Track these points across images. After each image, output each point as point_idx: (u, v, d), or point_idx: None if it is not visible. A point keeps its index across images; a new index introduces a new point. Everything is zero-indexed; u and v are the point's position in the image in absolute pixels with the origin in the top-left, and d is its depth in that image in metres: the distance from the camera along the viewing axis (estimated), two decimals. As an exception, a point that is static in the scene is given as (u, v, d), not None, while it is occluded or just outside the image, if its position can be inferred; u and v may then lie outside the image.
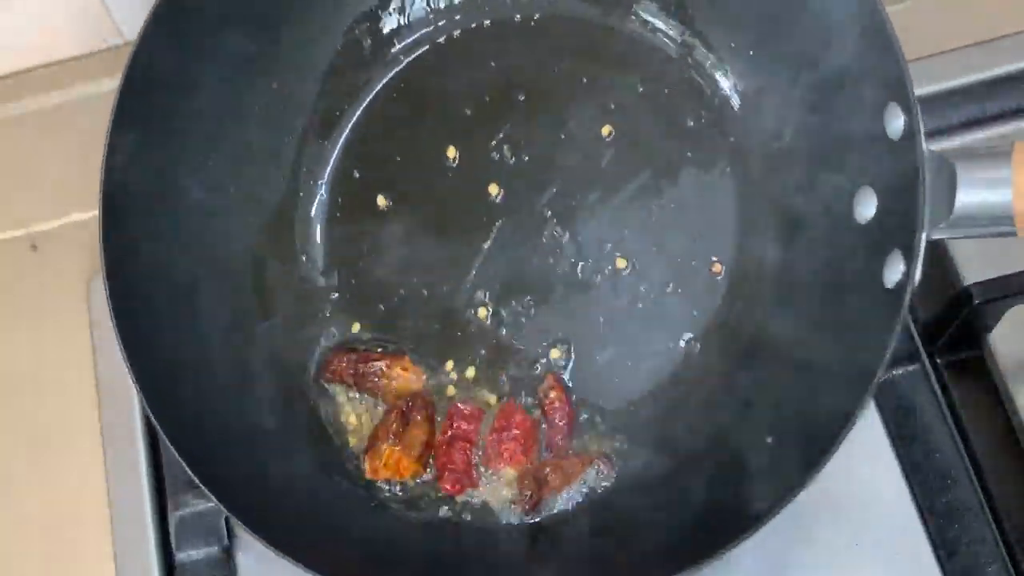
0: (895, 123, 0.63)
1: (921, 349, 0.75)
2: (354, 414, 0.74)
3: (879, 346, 0.60)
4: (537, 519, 0.71)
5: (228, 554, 0.75)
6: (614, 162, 0.77)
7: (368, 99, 0.79)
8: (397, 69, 0.80)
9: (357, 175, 0.78)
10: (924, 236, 0.60)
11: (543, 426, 0.73)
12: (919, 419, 0.74)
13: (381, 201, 0.78)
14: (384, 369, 0.74)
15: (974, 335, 0.74)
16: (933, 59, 0.84)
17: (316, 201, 0.78)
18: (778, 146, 0.74)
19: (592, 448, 0.73)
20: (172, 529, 0.74)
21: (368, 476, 0.72)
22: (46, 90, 0.82)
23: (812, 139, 0.72)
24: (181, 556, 0.74)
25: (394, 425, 0.72)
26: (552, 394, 0.73)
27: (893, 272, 0.62)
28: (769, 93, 0.74)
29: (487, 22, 0.79)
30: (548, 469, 0.72)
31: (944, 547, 0.71)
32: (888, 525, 0.72)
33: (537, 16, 0.79)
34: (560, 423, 0.73)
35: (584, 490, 0.71)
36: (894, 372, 0.75)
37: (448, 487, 0.72)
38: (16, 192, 0.86)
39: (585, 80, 0.78)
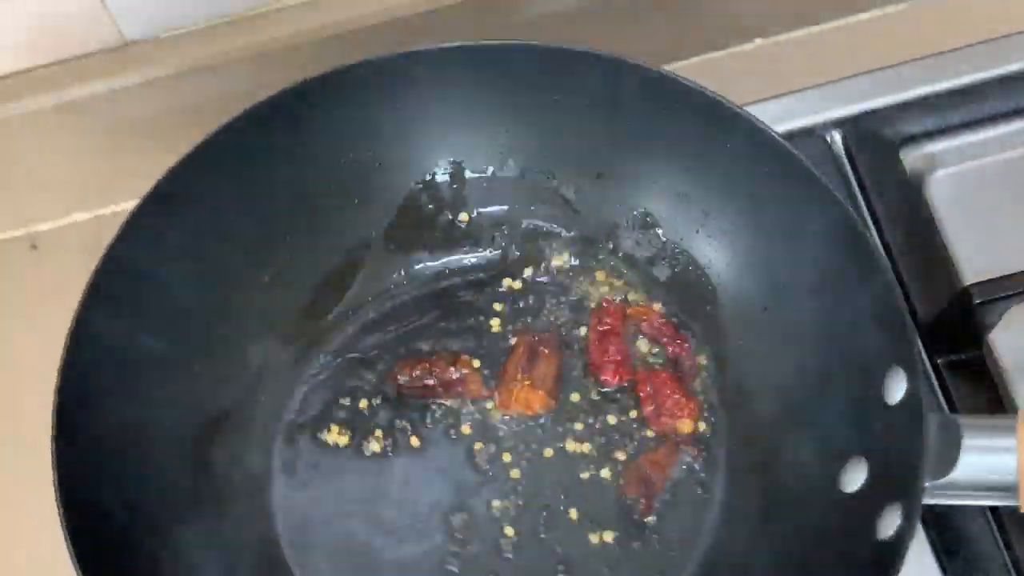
0: (896, 389, 0.62)
1: (921, 349, 0.75)
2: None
3: None
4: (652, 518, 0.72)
5: (228, 555, 0.74)
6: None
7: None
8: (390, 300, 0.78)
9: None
10: (921, 503, 0.59)
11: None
12: (919, 419, 0.74)
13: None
14: (453, 373, 0.75)
15: (974, 335, 0.74)
16: (933, 59, 0.84)
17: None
18: (766, 409, 0.73)
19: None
20: (172, 530, 0.74)
21: (498, 409, 0.74)
22: (46, 90, 0.82)
23: (805, 402, 0.70)
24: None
25: (523, 361, 0.74)
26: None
27: (887, 525, 0.61)
28: (763, 354, 0.74)
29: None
30: (646, 467, 0.73)
31: (944, 547, 0.71)
32: (888, 525, 0.72)
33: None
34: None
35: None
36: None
37: (608, 378, 0.75)
38: (16, 192, 0.86)
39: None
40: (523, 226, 0.79)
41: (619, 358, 0.75)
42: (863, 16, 0.89)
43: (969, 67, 0.83)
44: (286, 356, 0.76)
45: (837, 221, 0.66)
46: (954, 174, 0.80)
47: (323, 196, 0.75)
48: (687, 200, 0.75)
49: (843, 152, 0.82)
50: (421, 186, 0.77)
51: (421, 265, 0.79)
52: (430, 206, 0.78)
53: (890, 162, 0.81)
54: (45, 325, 0.83)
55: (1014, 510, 0.59)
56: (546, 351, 0.75)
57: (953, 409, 0.74)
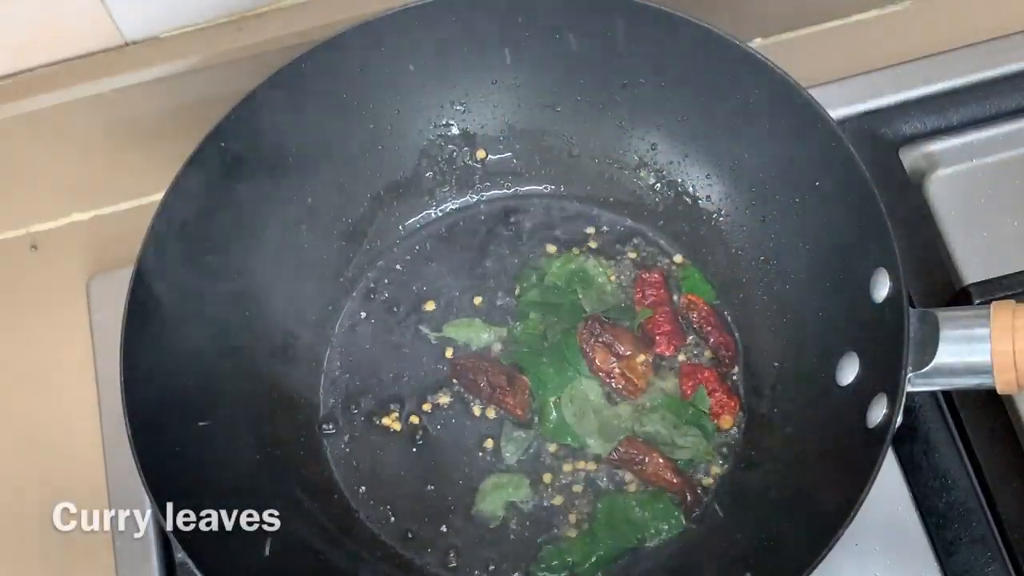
0: (881, 288, 0.66)
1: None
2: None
3: (858, 484, 0.62)
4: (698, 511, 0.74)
5: (228, 554, 0.75)
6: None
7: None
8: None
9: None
10: (905, 389, 0.62)
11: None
12: (919, 419, 0.75)
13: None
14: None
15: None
16: (933, 59, 0.84)
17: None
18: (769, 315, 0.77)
19: None
20: (172, 528, 0.74)
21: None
22: (46, 90, 0.82)
23: (801, 308, 0.75)
24: (180, 556, 0.74)
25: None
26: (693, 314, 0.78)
27: (875, 413, 0.65)
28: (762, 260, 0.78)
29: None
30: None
31: (944, 547, 0.71)
32: (888, 525, 0.72)
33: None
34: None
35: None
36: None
37: (661, 350, 0.77)
38: (16, 192, 0.86)
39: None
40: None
41: (668, 328, 0.77)
42: (863, 16, 0.89)
43: (969, 67, 0.83)
44: (325, 297, 0.81)
45: (825, 138, 0.70)
46: (954, 174, 0.80)
47: (351, 145, 0.80)
48: (684, 125, 0.79)
49: (843, 152, 0.82)
50: (438, 129, 0.82)
51: (446, 204, 0.84)
52: (449, 147, 0.83)
53: (890, 162, 0.81)
54: (45, 325, 0.84)
55: (991, 391, 0.63)
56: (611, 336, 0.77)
57: (952, 405, 0.75)
